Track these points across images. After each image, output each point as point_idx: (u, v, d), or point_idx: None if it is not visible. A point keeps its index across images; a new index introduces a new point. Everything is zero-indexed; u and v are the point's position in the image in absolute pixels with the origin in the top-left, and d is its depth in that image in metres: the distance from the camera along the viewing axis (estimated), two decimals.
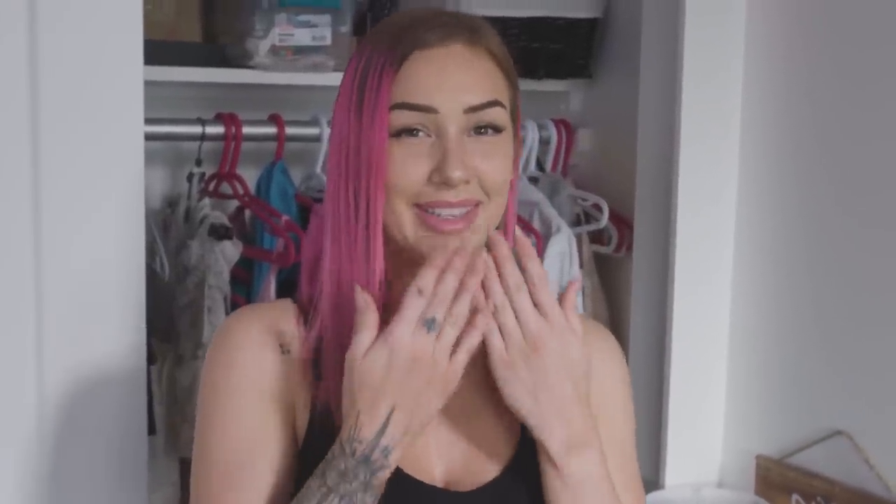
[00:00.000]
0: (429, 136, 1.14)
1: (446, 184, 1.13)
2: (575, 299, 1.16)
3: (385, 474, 1.10)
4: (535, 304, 1.13)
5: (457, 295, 1.10)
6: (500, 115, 1.17)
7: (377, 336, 1.10)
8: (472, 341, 1.10)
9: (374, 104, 1.13)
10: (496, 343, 1.12)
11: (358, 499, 1.09)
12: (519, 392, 1.12)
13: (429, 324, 1.09)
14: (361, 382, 1.09)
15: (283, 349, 1.20)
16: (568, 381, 1.13)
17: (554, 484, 1.15)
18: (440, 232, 1.15)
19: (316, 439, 1.15)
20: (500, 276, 1.12)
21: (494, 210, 1.18)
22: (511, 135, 1.19)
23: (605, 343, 1.30)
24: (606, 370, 1.27)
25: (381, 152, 1.13)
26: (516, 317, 1.12)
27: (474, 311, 1.11)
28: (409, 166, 1.14)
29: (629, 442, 1.28)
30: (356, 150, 1.14)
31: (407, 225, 1.15)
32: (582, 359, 1.15)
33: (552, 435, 1.13)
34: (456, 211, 1.15)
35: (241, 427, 1.17)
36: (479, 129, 1.15)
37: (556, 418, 1.13)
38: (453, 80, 1.14)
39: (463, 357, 1.10)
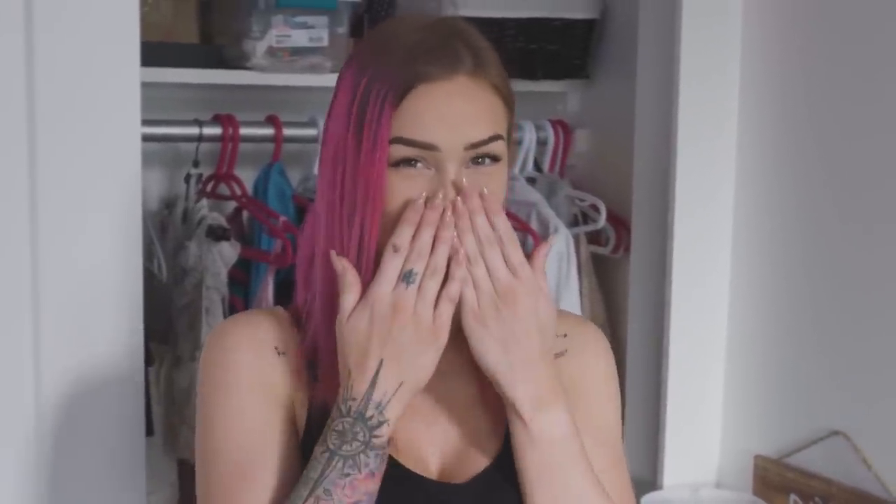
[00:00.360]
0: (428, 168, 1.14)
1: None
2: (544, 260, 1.17)
3: (384, 431, 1.11)
4: (505, 261, 1.13)
5: (433, 247, 1.11)
6: (499, 147, 1.16)
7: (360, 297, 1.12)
8: (452, 291, 1.11)
9: (373, 138, 1.13)
10: (468, 295, 1.12)
11: (360, 460, 1.10)
12: (488, 345, 1.12)
13: (407, 277, 1.11)
14: (349, 342, 1.11)
15: (279, 351, 1.20)
16: (536, 338, 1.13)
17: (522, 441, 1.15)
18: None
19: (314, 439, 1.15)
20: (472, 227, 1.13)
21: None
22: (506, 159, 1.19)
23: (587, 335, 1.31)
24: (587, 360, 1.28)
25: (378, 187, 1.13)
26: (487, 270, 1.13)
27: (449, 263, 1.12)
28: (405, 198, 1.14)
29: (613, 430, 1.28)
30: (353, 177, 1.14)
31: None
32: (550, 318, 1.15)
33: (520, 390, 1.13)
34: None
35: (244, 423, 1.17)
36: (478, 160, 1.16)
37: (524, 373, 1.13)
38: (455, 117, 1.14)
39: (446, 307, 1.11)
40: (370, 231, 1.14)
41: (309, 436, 1.18)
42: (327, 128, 1.19)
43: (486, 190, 1.14)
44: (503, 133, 1.17)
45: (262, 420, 1.18)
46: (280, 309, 1.26)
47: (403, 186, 1.13)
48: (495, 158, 1.16)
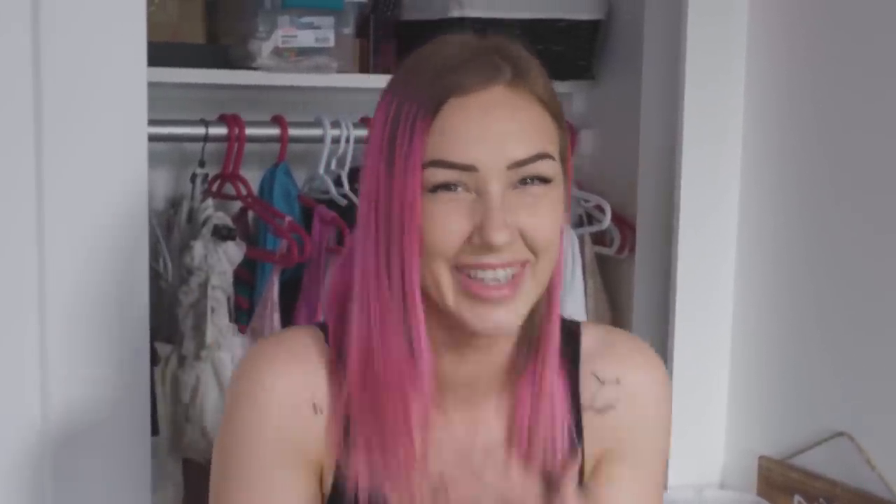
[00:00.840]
0: (468, 191, 1.03)
1: (488, 248, 1.03)
2: None
3: None
4: None
5: None
6: (547, 167, 1.05)
7: None
8: None
9: (405, 160, 1.02)
10: None
11: None
12: None
13: None
14: None
15: (317, 408, 1.11)
16: None
17: None
18: (485, 299, 1.04)
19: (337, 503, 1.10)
20: None
21: (544, 268, 1.08)
22: (561, 182, 1.08)
23: (641, 379, 1.22)
24: (637, 415, 1.19)
25: (414, 213, 1.02)
26: None
27: None
28: (446, 226, 1.03)
29: (654, 482, 1.21)
30: (387, 207, 1.03)
31: (447, 290, 1.05)
32: None
33: None
34: (500, 274, 1.04)
35: (260, 494, 1.10)
36: (525, 180, 1.05)
37: None
38: (495, 132, 1.03)
39: None
40: (410, 263, 1.03)
41: (333, 499, 1.11)
42: (365, 158, 1.09)
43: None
44: (553, 152, 1.07)
45: (279, 489, 1.10)
46: (319, 337, 1.14)
47: (444, 211, 1.03)
48: (545, 180, 1.05)
